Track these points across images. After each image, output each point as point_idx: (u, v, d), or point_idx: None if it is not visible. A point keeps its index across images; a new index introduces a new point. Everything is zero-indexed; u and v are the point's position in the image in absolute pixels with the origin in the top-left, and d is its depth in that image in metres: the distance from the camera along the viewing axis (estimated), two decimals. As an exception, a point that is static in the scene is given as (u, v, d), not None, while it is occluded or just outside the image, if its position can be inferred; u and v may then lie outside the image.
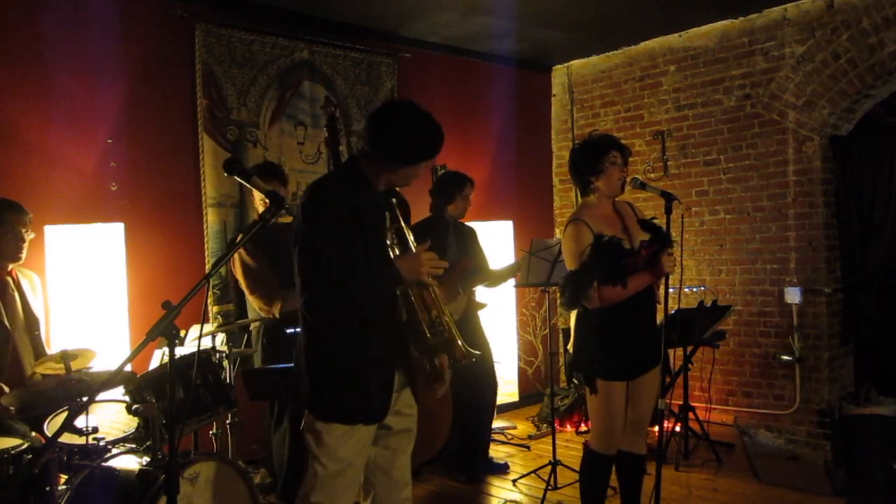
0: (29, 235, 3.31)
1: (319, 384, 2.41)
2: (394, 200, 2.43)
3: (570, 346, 3.30)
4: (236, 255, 3.69)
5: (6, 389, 3.06)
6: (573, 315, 3.23)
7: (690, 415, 4.96)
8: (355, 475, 2.44)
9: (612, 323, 3.05)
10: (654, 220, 3.20)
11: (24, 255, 3.31)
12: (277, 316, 3.61)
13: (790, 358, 5.16)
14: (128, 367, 2.13)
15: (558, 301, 3.25)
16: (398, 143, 2.37)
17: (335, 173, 2.69)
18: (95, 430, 2.99)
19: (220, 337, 3.84)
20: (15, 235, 3.24)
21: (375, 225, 2.40)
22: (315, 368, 2.42)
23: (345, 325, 2.35)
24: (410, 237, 2.44)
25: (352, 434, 2.38)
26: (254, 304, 3.73)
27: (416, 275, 2.34)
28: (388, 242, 2.40)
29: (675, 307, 3.77)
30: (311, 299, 2.33)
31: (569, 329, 3.31)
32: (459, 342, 2.44)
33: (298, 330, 2.51)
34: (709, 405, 5.33)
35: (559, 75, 6.72)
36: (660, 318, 3.30)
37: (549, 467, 4.28)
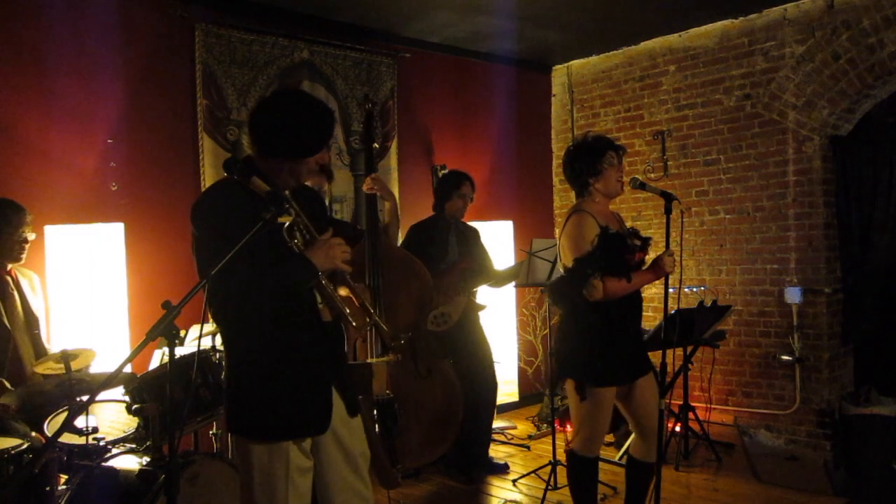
0: (31, 236, 3.31)
1: (248, 399, 2.21)
2: (287, 193, 2.19)
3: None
4: None
5: (8, 385, 3.07)
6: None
7: (690, 415, 4.96)
8: (296, 491, 2.22)
9: (602, 327, 3.05)
10: (639, 232, 3.29)
11: (25, 255, 3.32)
12: None
13: (790, 358, 5.16)
14: (128, 368, 2.13)
15: (548, 298, 3.27)
16: (277, 136, 2.17)
17: (228, 178, 2.29)
18: (95, 430, 2.99)
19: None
20: (18, 235, 3.26)
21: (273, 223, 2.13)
22: (236, 383, 2.23)
23: (267, 330, 2.17)
24: (311, 229, 2.22)
25: (281, 450, 2.19)
26: None
27: (330, 261, 2.14)
28: (290, 239, 2.16)
29: (675, 307, 3.76)
30: (219, 307, 2.15)
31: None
32: (385, 327, 2.37)
33: None
34: (709, 405, 5.33)
35: (559, 75, 6.72)
36: (659, 318, 3.32)
37: (549, 467, 4.28)
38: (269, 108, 2.24)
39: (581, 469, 3.20)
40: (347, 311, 2.25)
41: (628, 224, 3.40)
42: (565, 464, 3.33)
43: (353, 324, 2.27)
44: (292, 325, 2.20)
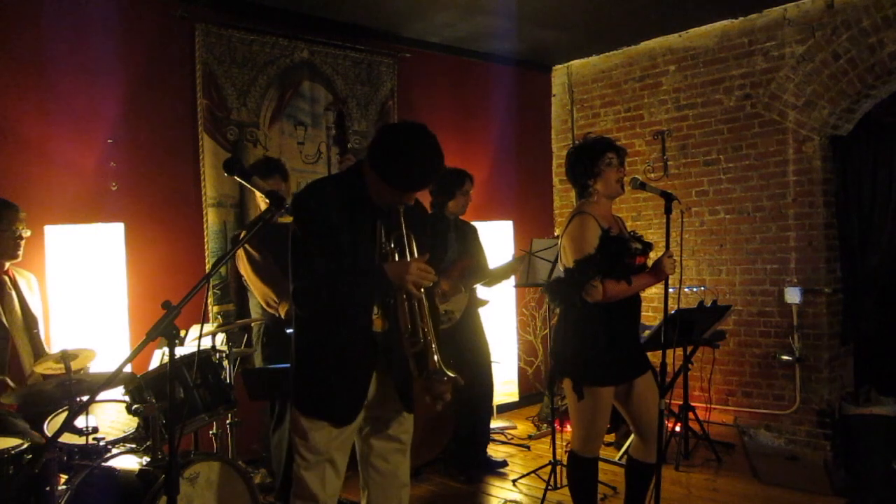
0: (26, 233, 3.31)
1: (299, 377, 2.49)
2: (401, 207, 2.41)
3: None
4: (240, 252, 3.69)
5: (12, 384, 3.07)
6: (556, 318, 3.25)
7: (690, 415, 4.96)
8: (335, 470, 2.48)
9: (599, 327, 3.05)
10: (641, 237, 3.29)
11: (21, 252, 3.31)
12: (282, 315, 3.61)
13: (790, 358, 5.16)
14: (128, 368, 2.13)
15: (547, 298, 3.27)
16: (389, 162, 2.34)
17: (337, 175, 2.70)
18: (95, 430, 2.99)
19: (220, 337, 3.84)
20: (12, 233, 3.25)
21: (366, 228, 2.40)
22: (297, 361, 2.50)
23: (324, 324, 2.41)
24: (412, 245, 2.42)
25: (325, 428, 2.43)
26: (260, 299, 3.73)
27: (399, 281, 2.34)
28: (385, 248, 2.40)
29: (675, 307, 3.76)
30: (298, 290, 2.38)
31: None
32: (435, 357, 2.45)
33: None
34: (709, 405, 5.33)
35: (559, 75, 6.72)
36: (659, 318, 3.32)
37: (549, 467, 4.28)
38: (394, 135, 2.40)
39: (581, 469, 3.20)
40: (402, 329, 2.42)
41: (629, 224, 3.40)
42: (566, 464, 3.33)
43: (404, 344, 2.45)
44: (344, 324, 2.40)
